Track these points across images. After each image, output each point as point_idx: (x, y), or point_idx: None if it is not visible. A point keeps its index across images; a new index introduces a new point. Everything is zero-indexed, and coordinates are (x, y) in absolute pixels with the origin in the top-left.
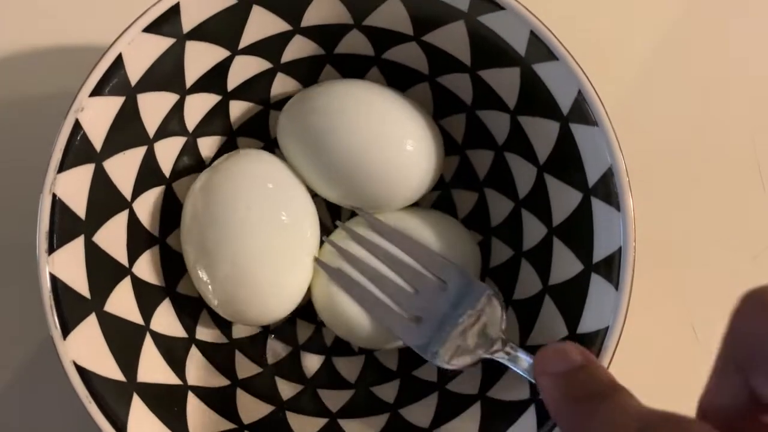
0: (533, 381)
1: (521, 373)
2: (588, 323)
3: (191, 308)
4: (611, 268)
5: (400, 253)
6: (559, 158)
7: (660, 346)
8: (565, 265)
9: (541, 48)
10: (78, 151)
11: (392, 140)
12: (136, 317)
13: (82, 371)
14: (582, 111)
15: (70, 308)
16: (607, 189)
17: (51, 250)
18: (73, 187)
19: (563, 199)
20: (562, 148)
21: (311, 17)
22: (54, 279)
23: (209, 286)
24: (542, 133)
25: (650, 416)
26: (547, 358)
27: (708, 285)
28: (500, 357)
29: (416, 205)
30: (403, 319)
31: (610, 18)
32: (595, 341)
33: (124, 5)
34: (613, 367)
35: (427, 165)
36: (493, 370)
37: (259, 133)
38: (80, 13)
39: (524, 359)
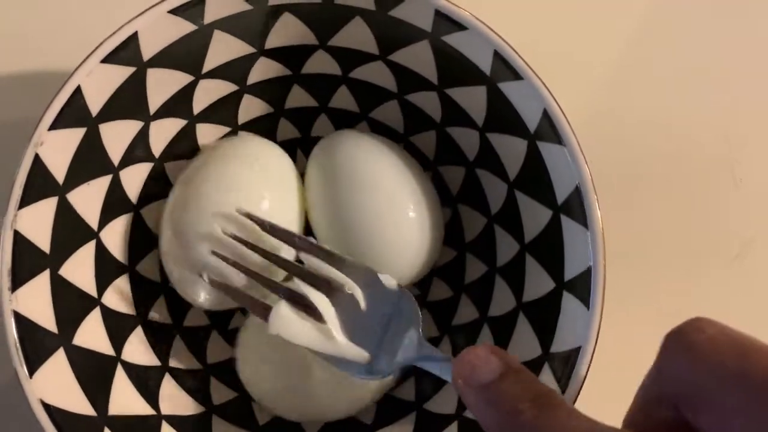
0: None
1: (446, 379)
2: (561, 342)
3: (164, 335)
4: (582, 287)
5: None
6: (529, 175)
7: (636, 352)
8: (537, 282)
9: (505, 67)
10: (39, 185)
11: (401, 219)
12: (106, 348)
13: (49, 409)
14: (548, 130)
15: (37, 345)
16: (576, 207)
17: (14, 287)
18: (36, 222)
19: (534, 216)
20: (531, 165)
21: (275, 39)
22: (18, 317)
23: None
24: (511, 151)
25: None
26: (465, 368)
27: (684, 289)
28: (421, 363)
29: None
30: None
31: (580, 29)
32: (567, 361)
33: (89, 28)
34: (589, 375)
35: (421, 252)
36: None
37: None
38: (43, 36)
39: (446, 364)
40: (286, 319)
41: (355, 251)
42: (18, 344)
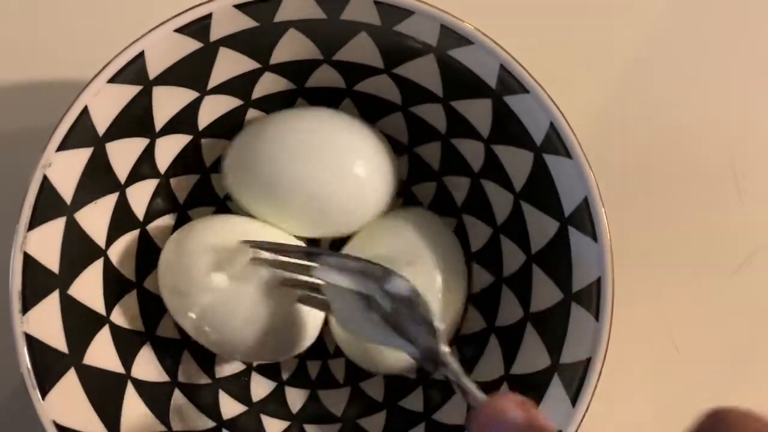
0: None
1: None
2: (570, 353)
3: (172, 350)
4: (591, 298)
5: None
6: (535, 187)
7: (641, 360)
8: (545, 292)
9: (511, 81)
10: (47, 206)
11: (344, 166)
12: (116, 366)
13: (63, 430)
14: (554, 143)
15: (48, 366)
16: (583, 219)
17: (25, 309)
18: (45, 243)
19: (540, 227)
20: (537, 177)
21: (280, 54)
22: (30, 339)
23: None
24: (517, 162)
25: None
26: (484, 420)
27: (689, 298)
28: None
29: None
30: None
31: (584, 39)
32: (577, 372)
33: (101, 39)
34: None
35: (381, 184)
36: None
37: None
38: (54, 47)
39: (472, 392)
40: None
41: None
42: (30, 366)
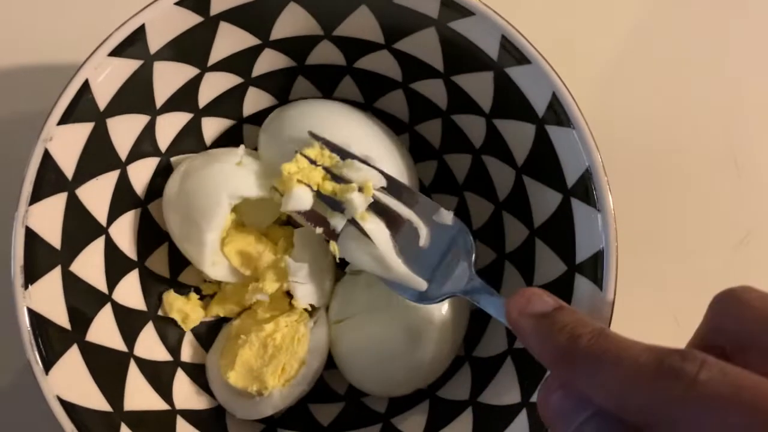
0: (506, 324)
1: (490, 312)
2: None
3: (174, 331)
4: (594, 268)
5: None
6: (537, 160)
7: (642, 333)
8: (548, 266)
9: (513, 52)
10: (49, 181)
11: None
12: (119, 344)
13: (66, 405)
14: (557, 113)
15: (51, 342)
16: (586, 189)
17: (27, 284)
18: (47, 218)
19: (543, 201)
20: (539, 149)
21: (280, 30)
22: (32, 313)
23: None
24: (519, 136)
25: (663, 353)
26: (521, 301)
27: (688, 274)
28: (469, 295)
29: None
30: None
31: (583, 15)
32: None
33: (95, 21)
34: None
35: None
36: (482, 376)
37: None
38: (51, 31)
39: (497, 300)
40: (352, 245)
41: None
42: (33, 340)
